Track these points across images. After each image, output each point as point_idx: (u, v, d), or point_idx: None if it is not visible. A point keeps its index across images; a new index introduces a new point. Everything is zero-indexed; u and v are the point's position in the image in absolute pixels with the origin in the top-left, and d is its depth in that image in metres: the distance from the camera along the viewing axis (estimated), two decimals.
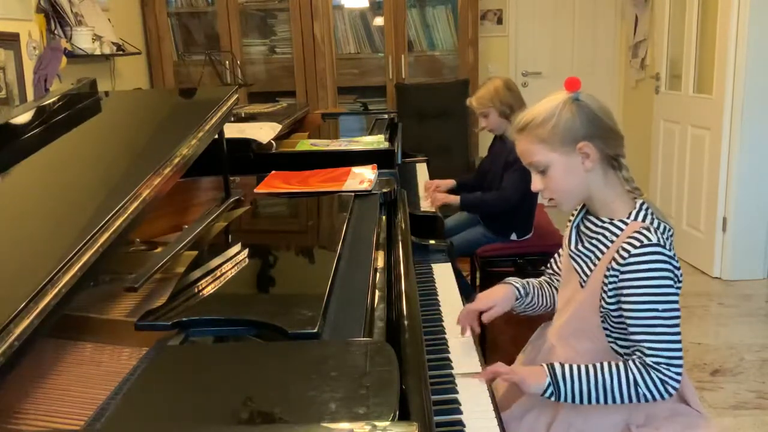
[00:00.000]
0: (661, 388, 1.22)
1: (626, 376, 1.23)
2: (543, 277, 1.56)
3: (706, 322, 3.23)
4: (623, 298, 1.25)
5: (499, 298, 1.48)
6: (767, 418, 2.40)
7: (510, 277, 1.53)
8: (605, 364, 1.25)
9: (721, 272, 3.77)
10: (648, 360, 1.22)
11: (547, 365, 1.27)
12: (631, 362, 1.24)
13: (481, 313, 1.46)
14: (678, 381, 1.22)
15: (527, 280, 1.53)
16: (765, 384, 2.62)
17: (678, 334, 1.23)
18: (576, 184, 1.31)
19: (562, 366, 1.26)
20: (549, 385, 1.25)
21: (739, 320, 3.23)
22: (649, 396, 1.23)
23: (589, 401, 1.24)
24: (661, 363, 1.22)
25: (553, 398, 1.26)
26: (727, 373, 2.72)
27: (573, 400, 1.25)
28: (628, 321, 1.25)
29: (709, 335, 3.07)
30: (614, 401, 1.24)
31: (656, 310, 1.22)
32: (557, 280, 1.51)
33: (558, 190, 1.32)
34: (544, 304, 1.51)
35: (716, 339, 3.03)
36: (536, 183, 1.34)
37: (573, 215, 1.43)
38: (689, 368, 2.68)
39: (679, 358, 1.23)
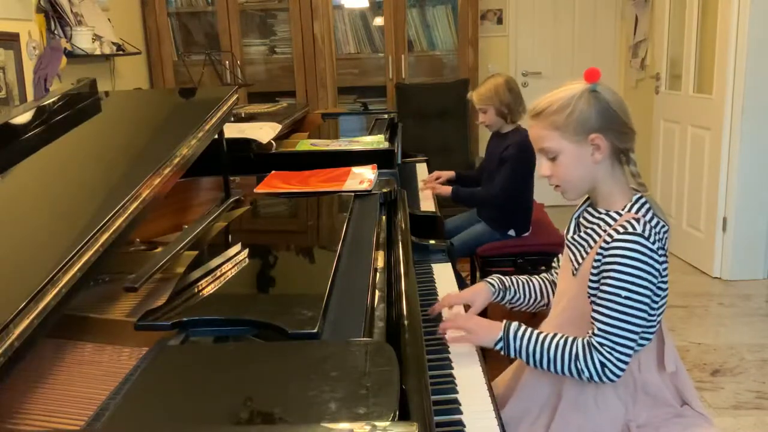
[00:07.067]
0: (599, 370, 1.23)
1: (569, 349, 1.26)
2: (544, 274, 1.57)
3: (706, 322, 3.23)
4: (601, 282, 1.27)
5: (472, 295, 1.53)
6: (767, 418, 2.40)
7: (493, 275, 1.56)
8: (558, 334, 1.29)
9: (721, 272, 3.76)
10: (594, 339, 1.24)
11: (507, 321, 1.32)
12: (580, 338, 1.27)
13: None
14: (620, 369, 1.23)
15: (510, 276, 1.56)
16: (765, 384, 2.62)
17: (634, 325, 1.23)
18: (583, 174, 1.32)
19: (520, 325, 1.32)
20: (501, 339, 1.31)
21: (739, 320, 3.23)
22: (585, 373, 1.24)
23: (534, 363, 1.29)
24: (605, 345, 1.23)
25: (503, 352, 1.32)
26: (727, 373, 2.72)
27: (520, 356, 1.31)
28: (593, 299, 1.27)
29: (709, 335, 3.07)
30: (555, 369, 1.27)
31: (618, 295, 1.23)
32: (556, 273, 1.52)
33: (564, 179, 1.33)
34: (533, 297, 1.54)
35: (716, 339, 3.03)
36: (544, 168, 1.35)
37: (578, 206, 1.45)
38: (689, 368, 2.68)
39: (628, 347, 1.23)
